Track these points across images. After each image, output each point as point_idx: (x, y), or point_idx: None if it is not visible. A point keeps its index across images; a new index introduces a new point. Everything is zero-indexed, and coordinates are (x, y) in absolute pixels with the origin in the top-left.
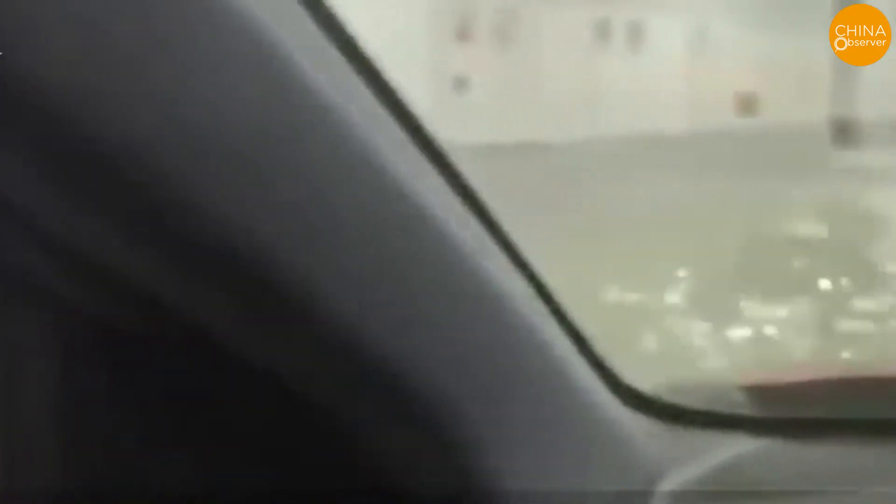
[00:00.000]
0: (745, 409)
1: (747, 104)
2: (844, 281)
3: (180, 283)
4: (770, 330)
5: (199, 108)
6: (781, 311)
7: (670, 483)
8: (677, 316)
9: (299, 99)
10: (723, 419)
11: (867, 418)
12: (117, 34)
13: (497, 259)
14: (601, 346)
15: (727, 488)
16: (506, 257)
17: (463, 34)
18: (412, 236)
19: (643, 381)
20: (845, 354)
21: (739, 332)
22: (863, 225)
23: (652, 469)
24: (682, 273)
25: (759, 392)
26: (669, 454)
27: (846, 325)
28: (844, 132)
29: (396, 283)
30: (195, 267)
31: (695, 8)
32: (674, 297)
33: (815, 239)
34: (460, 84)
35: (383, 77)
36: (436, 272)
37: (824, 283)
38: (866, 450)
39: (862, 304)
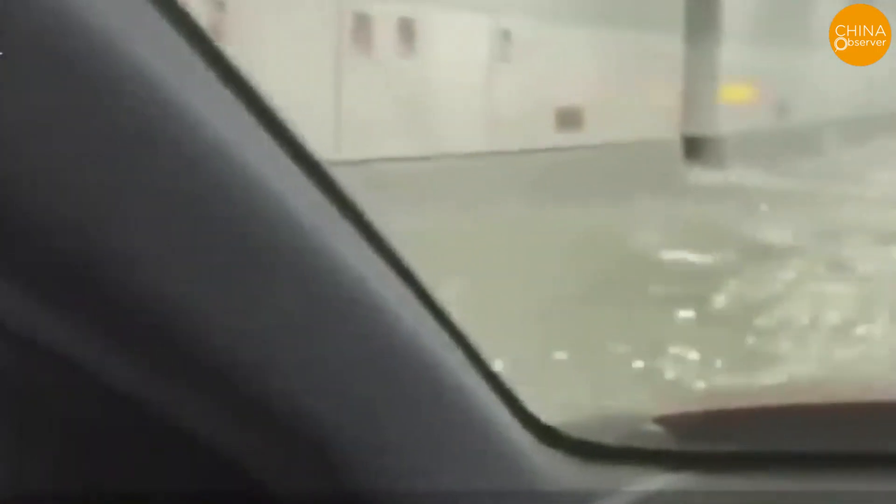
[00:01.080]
0: (659, 442)
1: (572, 119)
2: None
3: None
4: None
5: (67, 133)
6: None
7: None
8: None
9: (160, 110)
10: (637, 453)
11: (785, 451)
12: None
13: (374, 265)
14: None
15: None
16: (385, 265)
17: None
18: (281, 242)
19: None
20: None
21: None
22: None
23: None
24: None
25: (672, 425)
26: (583, 489)
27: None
28: (697, 149)
29: (266, 288)
30: (38, 275)
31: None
32: None
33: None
34: None
35: (251, 86)
36: (305, 276)
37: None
38: (785, 482)
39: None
